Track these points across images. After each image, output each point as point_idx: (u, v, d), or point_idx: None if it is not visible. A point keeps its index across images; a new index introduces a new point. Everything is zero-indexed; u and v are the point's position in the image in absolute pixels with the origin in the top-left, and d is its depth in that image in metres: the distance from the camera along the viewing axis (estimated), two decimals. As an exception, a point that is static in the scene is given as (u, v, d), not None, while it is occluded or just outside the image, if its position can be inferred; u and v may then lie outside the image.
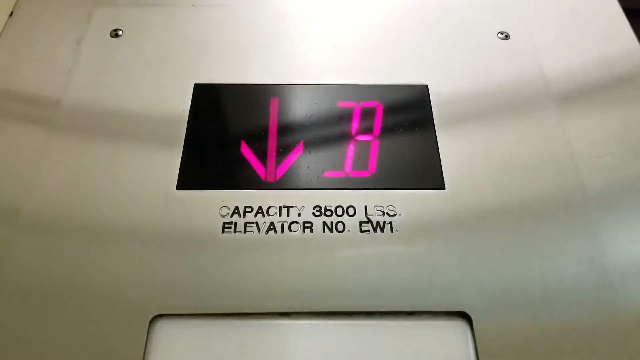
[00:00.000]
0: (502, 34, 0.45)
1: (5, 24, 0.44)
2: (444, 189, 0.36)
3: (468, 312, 0.31)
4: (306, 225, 0.34)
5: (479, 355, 0.30)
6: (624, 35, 0.45)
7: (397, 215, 0.34)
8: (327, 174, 0.36)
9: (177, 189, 0.35)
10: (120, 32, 0.44)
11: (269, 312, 0.31)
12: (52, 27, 0.45)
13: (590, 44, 0.45)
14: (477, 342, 0.30)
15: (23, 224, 0.33)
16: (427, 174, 0.37)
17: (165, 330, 0.30)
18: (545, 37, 0.45)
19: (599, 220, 0.35)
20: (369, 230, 0.34)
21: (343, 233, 0.34)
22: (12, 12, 0.45)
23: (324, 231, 0.34)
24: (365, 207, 0.35)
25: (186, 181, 0.35)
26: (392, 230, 0.34)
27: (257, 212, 0.34)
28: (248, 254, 0.32)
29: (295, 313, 0.31)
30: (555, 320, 0.31)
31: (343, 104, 0.40)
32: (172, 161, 0.36)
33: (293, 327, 0.30)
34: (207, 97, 0.40)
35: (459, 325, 0.31)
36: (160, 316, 0.30)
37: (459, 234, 0.34)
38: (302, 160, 0.37)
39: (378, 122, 0.40)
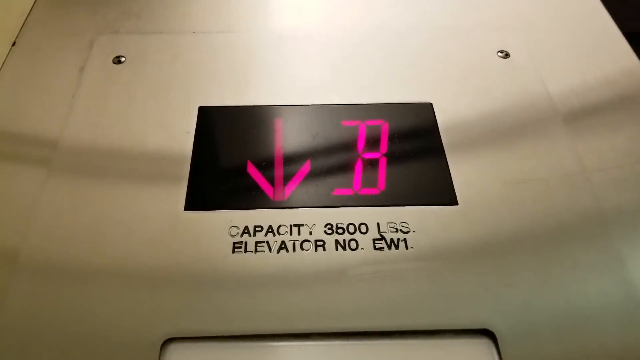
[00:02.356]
0: (502, 52, 0.46)
1: (8, 53, 0.44)
2: (457, 204, 0.35)
3: (492, 329, 0.30)
4: (318, 243, 0.33)
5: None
6: (623, 54, 0.46)
7: (411, 232, 0.34)
8: (336, 192, 0.36)
9: (185, 209, 0.34)
10: (122, 59, 0.44)
11: (284, 334, 0.29)
12: (54, 55, 0.44)
13: (589, 61, 0.45)
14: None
15: (22, 266, 0.32)
16: (439, 190, 0.36)
17: (177, 354, 0.28)
18: (544, 56, 0.45)
19: (616, 230, 0.34)
20: (383, 248, 0.33)
21: (356, 251, 0.33)
22: (14, 42, 0.45)
23: (336, 249, 0.33)
24: (378, 224, 0.34)
25: (194, 202, 0.35)
26: (407, 247, 0.33)
27: (268, 231, 0.33)
28: (260, 274, 0.31)
29: (311, 334, 0.29)
30: (581, 335, 0.30)
31: (347, 123, 0.40)
32: (179, 183, 0.36)
33: (309, 349, 0.29)
34: (211, 120, 0.40)
35: (484, 344, 0.29)
36: (171, 340, 0.29)
37: (476, 250, 0.33)
38: (310, 178, 0.36)
39: (384, 140, 0.39)
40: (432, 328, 0.29)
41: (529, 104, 0.41)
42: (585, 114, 0.41)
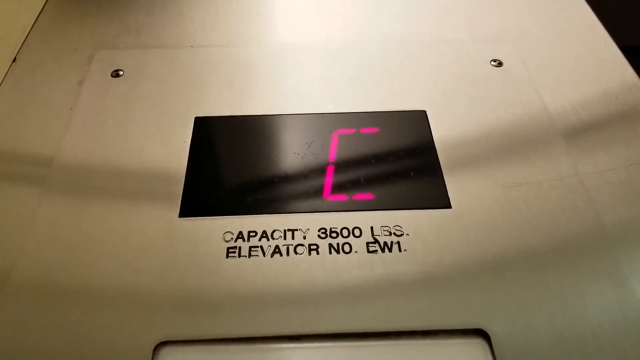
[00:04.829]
0: (495, 61, 0.46)
1: (8, 70, 0.45)
2: (450, 207, 0.35)
3: (486, 329, 0.29)
4: (312, 247, 0.33)
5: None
6: (616, 63, 0.46)
7: (405, 235, 0.34)
8: (331, 197, 0.36)
9: (180, 216, 0.34)
10: (121, 72, 0.45)
11: (278, 336, 0.29)
12: (54, 71, 0.45)
13: (582, 69, 0.46)
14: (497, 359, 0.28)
15: (15, 285, 0.32)
16: (432, 194, 0.36)
17: (170, 358, 0.28)
18: (537, 65, 0.46)
19: (611, 233, 0.34)
20: (376, 251, 0.33)
21: (350, 254, 0.33)
22: (15, 58, 0.46)
23: (330, 252, 0.33)
24: (372, 227, 0.34)
25: (189, 209, 0.35)
26: (400, 250, 0.33)
27: (262, 236, 0.33)
28: (254, 278, 0.31)
29: (305, 336, 0.29)
30: (577, 336, 0.30)
31: (342, 131, 0.40)
32: (174, 191, 0.36)
33: (304, 351, 0.29)
34: (207, 129, 0.40)
35: (478, 344, 0.29)
36: (165, 343, 0.29)
37: (470, 252, 0.33)
38: (304, 184, 0.37)
39: (378, 147, 0.40)
40: (425, 328, 0.29)
41: (521, 110, 0.42)
42: (578, 119, 0.41)
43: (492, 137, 0.40)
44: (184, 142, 0.39)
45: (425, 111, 0.42)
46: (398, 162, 0.38)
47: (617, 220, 0.35)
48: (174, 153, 0.38)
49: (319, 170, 0.37)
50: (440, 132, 0.40)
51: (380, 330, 0.29)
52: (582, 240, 0.34)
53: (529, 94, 0.43)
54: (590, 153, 0.39)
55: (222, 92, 0.43)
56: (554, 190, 0.36)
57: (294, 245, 0.33)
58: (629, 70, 0.46)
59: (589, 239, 0.34)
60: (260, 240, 0.33)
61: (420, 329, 0.29)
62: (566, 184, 0.37)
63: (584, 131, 0.40)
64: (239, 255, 0.32)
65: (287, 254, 0.33)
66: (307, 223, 0.34)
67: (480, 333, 0.30)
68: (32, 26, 0.50)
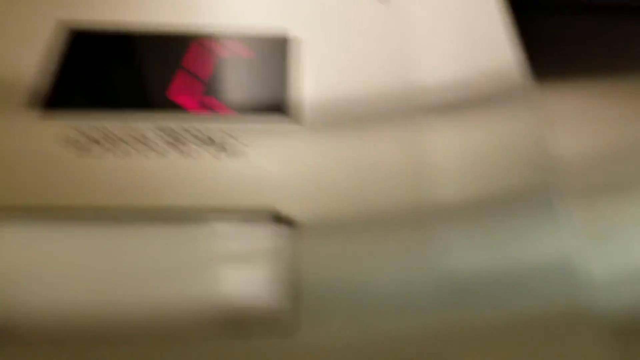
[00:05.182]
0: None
1: None
2: (289, 116, 0.38)
3: (288, 213, 0.32)
4: (148, 144, 0.35)
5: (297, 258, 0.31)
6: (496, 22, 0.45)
7: (244, 141, 0.36)
8: (177, 99, 0.38)
9: (33, 115, 0.36)
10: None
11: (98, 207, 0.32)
12: None
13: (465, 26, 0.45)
14: (294, 244, 0.31)
15: None
16: (276, 105, 0.38)
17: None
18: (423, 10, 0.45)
19: (439, 205, 0.34)
20: (210, 151, 0.35)
21: (185, 152, 0.35)
22: None
23: (167, 151, 0.35)
24: (209, 129, 0.36)
25: (44, 109, 0.36)
26: (235, 154, 0.35)
27: (109, 138, 0.35)
28: (98, 177, 0.33)
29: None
30: (379, 225, 0.32)
31: (203, 41, 0.42)
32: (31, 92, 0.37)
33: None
34: (72, 37, 0.41)
35: (275, 226, 0.32)
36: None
37: (302, 155, 0.35)
38: (154, 87, 0.39)
39: (235, 60, 0.41)
40: (227, 209, 0.32)
41: (392, 57, 0.42)
42: (445, 84, 0.40)
43: (356, 60, 0.42)
44: (46, 46, 0.40)
45: (289, 37, 0.43)
46: (250, 72, 0.40)
47: (447, 196, 0.34)
48: (35, 57, 0.39)
49: (169, 74, 0.39)
50: (305, 55, 0.42)
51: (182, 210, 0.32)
52: (405, 207, 0.34)
53: (407, 42, 0.43)
54: (445, 123, 0.38)
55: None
56: (399, 104, 0.38)
57: (133, 141, 0.35)
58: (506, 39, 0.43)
59: (412, 206, 0.34)
60: (107, 142, 0.35)
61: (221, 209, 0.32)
62: (408, 150, 0.36)
63: (447, 98, 0.39)
64: (89, 156, 0.34)
65: (128, 154, 0.35)
66: (152, 124, 0.36)
67: (286, 221, 0.32)
68: None
